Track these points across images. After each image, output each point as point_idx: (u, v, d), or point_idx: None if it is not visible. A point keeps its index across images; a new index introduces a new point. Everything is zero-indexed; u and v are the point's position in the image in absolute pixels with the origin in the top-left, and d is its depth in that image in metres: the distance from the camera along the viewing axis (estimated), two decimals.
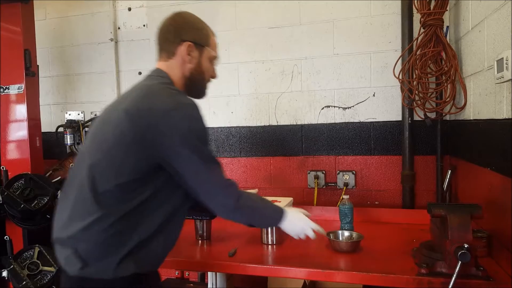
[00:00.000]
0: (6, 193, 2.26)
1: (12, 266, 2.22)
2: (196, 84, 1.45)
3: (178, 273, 2.73)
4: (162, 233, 1.26)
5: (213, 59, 1.49)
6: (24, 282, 2.18)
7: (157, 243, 1.25)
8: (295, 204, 2.16)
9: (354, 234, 1.84)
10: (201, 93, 1.50)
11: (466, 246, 1.32)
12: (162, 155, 1.20)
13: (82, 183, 1.20)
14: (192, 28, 1.42)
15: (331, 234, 1.81)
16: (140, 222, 1.21)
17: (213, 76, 1.52)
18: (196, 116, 1.24)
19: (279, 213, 1.50)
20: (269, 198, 1.90)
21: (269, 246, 1.86)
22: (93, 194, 1.18)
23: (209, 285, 2.10)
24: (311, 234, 1.54)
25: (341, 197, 2.22)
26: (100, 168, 1.20)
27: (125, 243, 1.18)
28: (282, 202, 1.88)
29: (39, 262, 2.26)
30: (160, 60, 1.42)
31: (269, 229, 1.86)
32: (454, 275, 1.30)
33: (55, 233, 1.26)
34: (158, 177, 1.22)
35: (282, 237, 1.87)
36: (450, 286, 1.30)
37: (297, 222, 1.53)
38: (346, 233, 1.86)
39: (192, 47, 1.39)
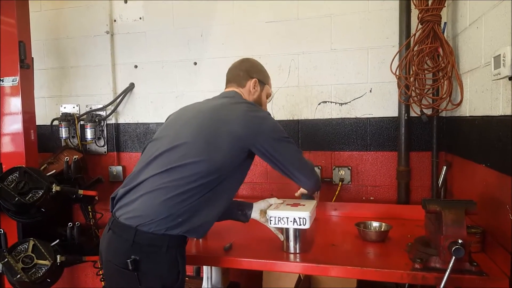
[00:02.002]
0: (0, 186, 2.24)
1: (6, 260, 2.20)
2: None
3: None
4: (211, 211, 1.54)
5: (268, 95, 1.90)
6: (19, 276, 2.17)
7: (205, 218, 1.52)
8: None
9: (384, 225, 1.92)
10: None
11: (460, 241, 1.33)
12: (260, 147, 1.56)
13: (175, 159, 1.49)
14: (258, 69, 1.85)
15: (361, 225, 1.92)
16: (202, 199, 1.49)
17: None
18: (276, 121, 1.67)
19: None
20: (292, 201, 1.84)
21: (266, 242, 1.86)
22: (183, 172, 1.47)
23: (205, 279, 2.10)
24: None
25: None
26: (203, 156, 1.48)
27: (185, 213, 1.45)
28: (307, 205, 1.75)
29: (33, 255, 2.25)
30: (230, 87, 1.81)
31: (292, 237, 1.72)
32: (448, 270, 1.31)
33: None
34: (231, 168, 1.54)
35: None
36: (443, 281, 1.32)
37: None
38: (375, 224, 1.95)
39: (256, 82, 1.81)
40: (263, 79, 1.84)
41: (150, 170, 1.52)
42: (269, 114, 1.67)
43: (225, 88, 1.84)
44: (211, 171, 1.49)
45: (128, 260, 1.40)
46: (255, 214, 1.82)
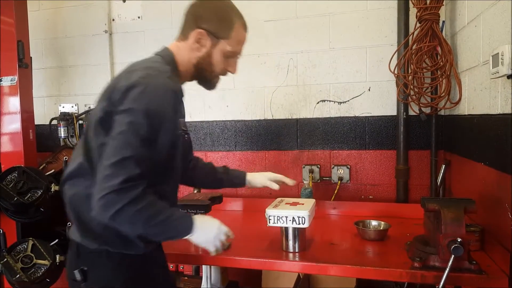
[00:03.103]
0: None
1: (5, 259, 2.20)
2: (203, 74, 1.42)
3: (172, 267, 2.72)
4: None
5: (228, 54, 1.39)
6: (18, 275, 2.17)
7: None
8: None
9: (382, 224, 1.92)
10: (208, 85, 1.48)
11: (459, 240, 1.33)
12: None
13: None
14: (214, 17, 1.35)
15: (360, 223, 1.91)
16: None
17: (230, 70, 1.44)
18: (156, 96, 1.19)
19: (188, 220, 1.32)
20: (291, 200, 1.80)
21: (265, 241, 1.86)
22: (79, 178, 1.31)
23: (204, 278, 2.10)
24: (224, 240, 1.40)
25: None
26: (81, 157, 1.29)
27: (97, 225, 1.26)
28: (306, 204, 1.71)
29: (32, 255, 2.25)
30: (176, 40, 1.40)
31: (291, 236, 1.67)
32: (447, 269, 1.31)
33: None
34: None
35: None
36: (443, 280, 1.31)
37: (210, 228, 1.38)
38: (374, 222, 1.94)
39: (203, 35, 1.34)
40: (217, 31, 1.34)
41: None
42: (154, 81, 1.23)
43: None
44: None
45: (75, 271, 1.27)
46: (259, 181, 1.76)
